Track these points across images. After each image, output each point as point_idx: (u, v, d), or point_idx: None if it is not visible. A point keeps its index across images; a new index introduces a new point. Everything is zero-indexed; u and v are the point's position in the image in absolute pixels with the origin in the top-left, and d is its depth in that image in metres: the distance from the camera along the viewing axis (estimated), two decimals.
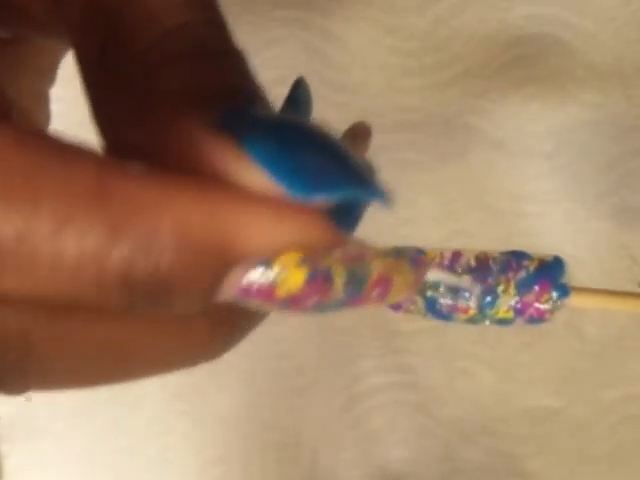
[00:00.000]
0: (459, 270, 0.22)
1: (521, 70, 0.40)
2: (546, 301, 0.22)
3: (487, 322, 0.22)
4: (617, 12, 0.40)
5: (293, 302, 0.14)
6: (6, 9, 0.17)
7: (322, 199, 0.14)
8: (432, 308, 0.22)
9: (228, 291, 0.14)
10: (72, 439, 0.41)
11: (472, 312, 0.22)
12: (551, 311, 0.22)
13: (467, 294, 0.22)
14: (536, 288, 0.22)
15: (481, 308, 0.22)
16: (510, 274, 0.22)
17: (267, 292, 0.14)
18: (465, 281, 0.22)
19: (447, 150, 0.40)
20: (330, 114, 0.43)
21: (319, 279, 0.14)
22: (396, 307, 0.22)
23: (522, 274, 0.22)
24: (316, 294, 0.14)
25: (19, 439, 0.41)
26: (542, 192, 0.40)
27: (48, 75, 0.22)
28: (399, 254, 0.15)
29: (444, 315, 0.22)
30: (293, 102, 0.20)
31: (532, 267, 0.22)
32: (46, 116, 0.22)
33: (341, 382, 0.41)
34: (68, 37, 0.17)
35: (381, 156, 0.42)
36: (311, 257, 0.14)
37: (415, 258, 0.15)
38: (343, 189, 0.14)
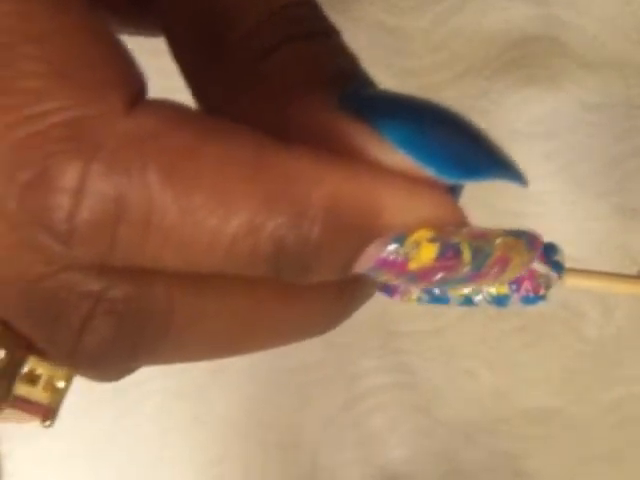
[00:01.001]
0: None
1: (521, 70, 0.40)
2: (540, 275, 0.22)
3: (483, 301, 0.22)
4: (617, 12, 0.40)
5: (422, 275, 0.14)
6: (99, 5, 0.18)
7: (470, 182, 0.14)
8: (428, 288, 0.22)
9: (366, 263, 0.14)
10: (72, 439, 0.41)
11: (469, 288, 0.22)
12: (546, 286, 0.22)
13: None
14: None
15: None
16: None
17: (400, 265, 0.14)
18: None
19: None
20: None
21: (448, 254, 0.14)
22: (392, 292, 0.22)
23: None
24: (445, 269, 0.14)
25: (19, 439, 0.41)
26: (542, 192, 0.40)
27: None
28: (518, 235, 0.15)
29: (439, 297, 0.22)
30: None
31: None
32: None
33: (341, 382, 0.41)
34: (160, 28, 0.17)
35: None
36: (442, 233, 0.14)
37: (531, 240, 0.16)
38: (491, 173, 0.14)
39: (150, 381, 0.41)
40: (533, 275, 0.22)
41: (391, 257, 0.14)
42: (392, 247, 0.14)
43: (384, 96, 0.15)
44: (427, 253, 0.14)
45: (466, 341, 0.41)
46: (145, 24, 0.18)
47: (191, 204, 0.13)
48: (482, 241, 0.15)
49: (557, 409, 0.40)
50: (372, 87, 0.16)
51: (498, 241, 0.15)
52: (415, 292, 0.22)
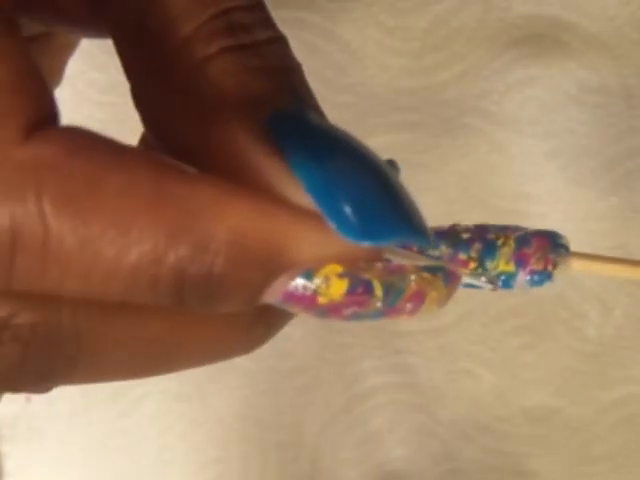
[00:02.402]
0: (458, 229, 0.22)
1: (521, 70, 0.40)
2: (545, 255, 0.22)
3: (489, 283, 0.22)
4: (617, 12, 0.40)
5: (332, 310, 0.15)
6: (44, 4, 0.17)
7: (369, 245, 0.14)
8: None
9: (273, 296, 0.14)
10: (72, 439, 0.41)
11: (473, 265, 0.22)
12: (553, 263, 0.22)
13: (467, 246, 0.22)
14: (534, 243, 0.22)
15: (481, 260, 0.22)
16: (509, 232, 0.22)
17: (309, 300, 0.14)
18: (465, 234, 0.22)
19: (447, 150, 0.40)
20: (330, 114, 0.43)
21: (359, 290, 0.14)
22: None
23: (520, 232, 0.22)
24: (355, 304, 0.14)
25: (19, 439, 0.41)
26: (542, 192, 0.40)
27: (56, 75, 0.22)
28: (435, 270, 0.15)
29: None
30: None
31: (530, 230, 0.23)
32: None
33: (341, 382, 0.41)
34: (107, 30, 0.16)
35: (381, 156, 0.42)
36: (353, 268, 0.14)
37: (449, 274, 0.16)
38: (394, 237, 0.14)
39: (149, 382, 0.41)
40: (540, 252, 0.22)
41: (299, 291, 0.14)
42: (299, 282, 0.14)
43: (309, 131, 0.15)
44: (337, 288, 0.14)
45: (466, 341, 0.41)
46: (96, 27, 0.17)
47: (89, 234, 0.13)
48: (396, 277, 0.15)
49: (557, 409, 0.40)
50: (309, 111, 0.15)
51: (413, 277, 0.15)
52: None
